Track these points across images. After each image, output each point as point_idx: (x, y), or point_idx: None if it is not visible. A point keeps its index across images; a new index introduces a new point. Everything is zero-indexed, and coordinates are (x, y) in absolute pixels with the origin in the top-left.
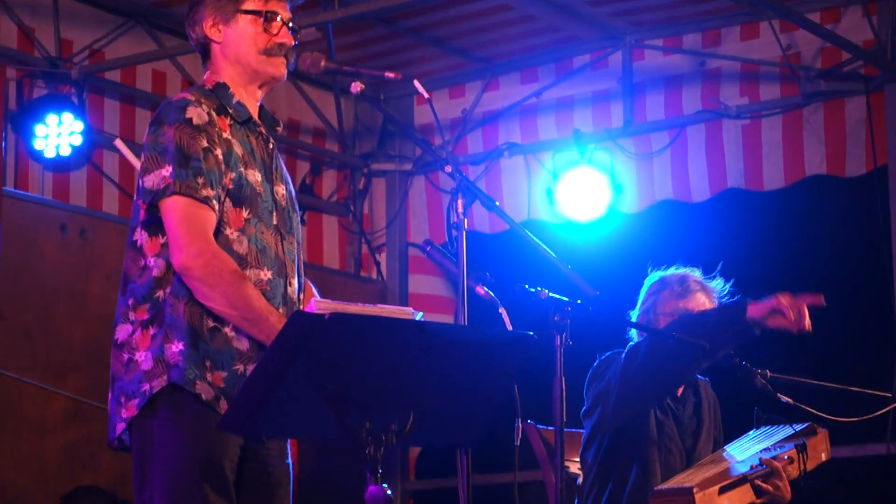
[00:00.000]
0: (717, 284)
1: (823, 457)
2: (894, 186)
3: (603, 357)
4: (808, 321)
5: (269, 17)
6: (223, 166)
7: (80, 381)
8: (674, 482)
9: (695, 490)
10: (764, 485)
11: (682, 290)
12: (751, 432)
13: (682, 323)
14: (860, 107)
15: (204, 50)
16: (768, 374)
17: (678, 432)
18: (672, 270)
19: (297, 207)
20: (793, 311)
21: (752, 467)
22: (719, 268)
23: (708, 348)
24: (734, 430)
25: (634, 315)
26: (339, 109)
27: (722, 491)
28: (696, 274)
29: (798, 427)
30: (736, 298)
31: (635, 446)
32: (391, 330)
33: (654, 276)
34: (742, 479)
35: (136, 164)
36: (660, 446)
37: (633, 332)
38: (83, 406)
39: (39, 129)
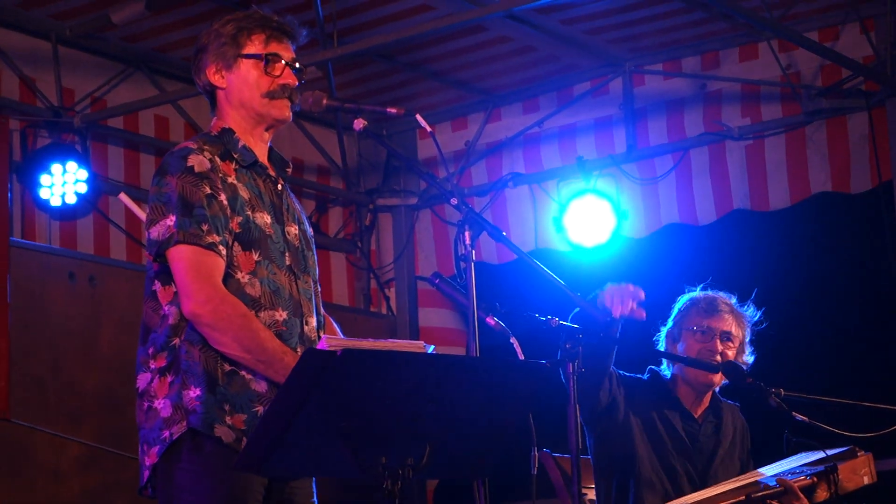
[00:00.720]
0: (750, 311)
1: (866, 480)
2: None
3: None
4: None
5: (270, 59)
6: (228, 211)
7: (94, 428)
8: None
9: None
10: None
11: (708, 308)
12: (794, 457)
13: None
14: (862, 123)
15: (210, 97)
16: (782, 392)
17: (687, 451)
18: (708, 291)
19: (312, 246)
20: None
21: (763, 486)
22: (753, 295)
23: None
24: (768, 457)
25: (664, 330)
26: (342, 147)
27: None
28: (730, 298)
29: (833, 451)
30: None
31: (627, 465)
32: (404, 364)
33: (687, 295)
34: (750, 500)
35: (142, 215)
36: (658, 467)
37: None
38: (98, 452)
39: (44, 179)
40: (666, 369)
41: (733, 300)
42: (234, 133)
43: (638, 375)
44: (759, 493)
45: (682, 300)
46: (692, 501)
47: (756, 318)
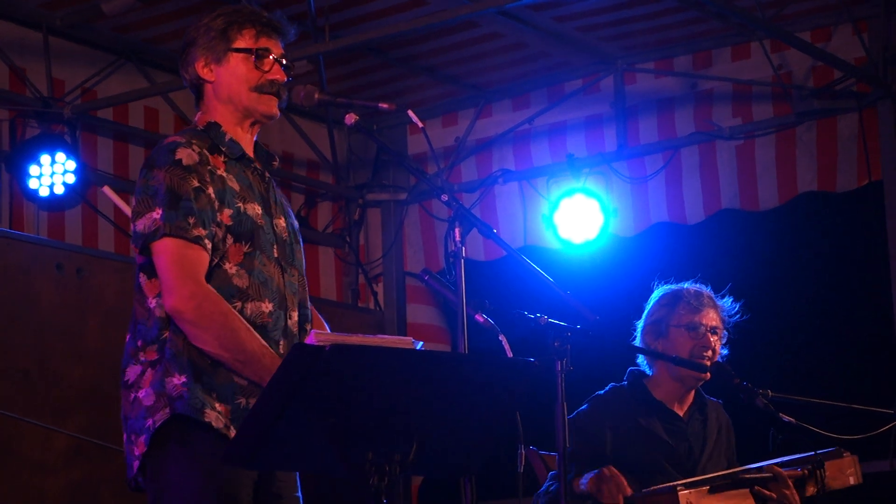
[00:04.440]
0: (727, 303)
1: (852, 480)
2: (890, 202)
3: (574, 413)
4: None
5: (260, 54)
6: (217, 204)
7: (80, 421)
8: (662, 485)
9: (679, 488)
10: (766, 491)
11: (697, 305)
12: (780, 458)
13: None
14: (852, 124)
15: (197, 90)
16: (770, 393)
17: (674, 453)
18: (686, 285)
19: (299, 239)
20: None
21: (754, 471)
22: (728, 287)
23: None
24: (753, 456)
25: (640, 325)
26: (332, 141)
27: (714, 491)
28: (708, 290)
29: (820, 451)
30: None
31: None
32: (392, 360)
33: (664, 289)
34: (740, 482)
35: (126, 209)
36: (643, 470)
37: (641, 357)
38: (84, 445)
39: (33, 169)
40: (646, 366)
41: (710, 291)
42: (221, 127)
43: (599, 392)
44: (749, 476)
45: (659, 295)
46: (681, 483)
47: (732, 310)
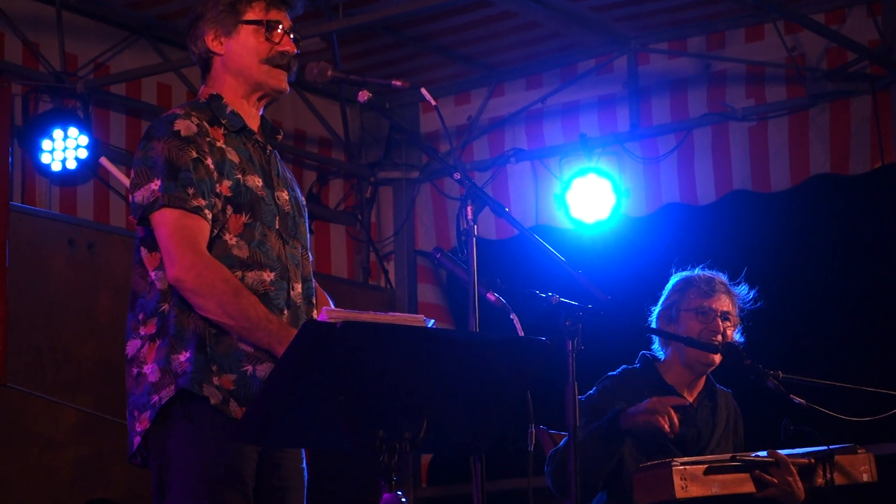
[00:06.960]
0: (742, 290)
1: (865, 478)
2: None
3: (585, 395)
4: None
5: (270, 26)
6: (215, 175)
7: (91, 396)
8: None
9: (674, 463)
10: (767, 476)
11: (708, 289)
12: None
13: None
14: (865, 106)
15: (205, 64)
16: (781, 374)
17: (681, 436)
18: (699, 271)
19: (304, 213)
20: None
21: (753, 455)
22: (743, 274)
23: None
24: (762, 447)
25: (656, 311)
26: (344, 119)
27: (710, 472)
28: (723, 277)
29: (834, 446)
30: (616, 410)
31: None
32: (404, 338)
33: (679, 275)
34: (740, 466)
35: (124, 179)
36: (651, 453)
37: (656, 342)
38: (94, 420)
39: (46, 144)
40: (660, 351)
41: (724, 277)
42: (223, 99)
43: (611, 374)
44: (747, 458)
45: (674, 281)
46: (679, 459)
47: (748, 298)
